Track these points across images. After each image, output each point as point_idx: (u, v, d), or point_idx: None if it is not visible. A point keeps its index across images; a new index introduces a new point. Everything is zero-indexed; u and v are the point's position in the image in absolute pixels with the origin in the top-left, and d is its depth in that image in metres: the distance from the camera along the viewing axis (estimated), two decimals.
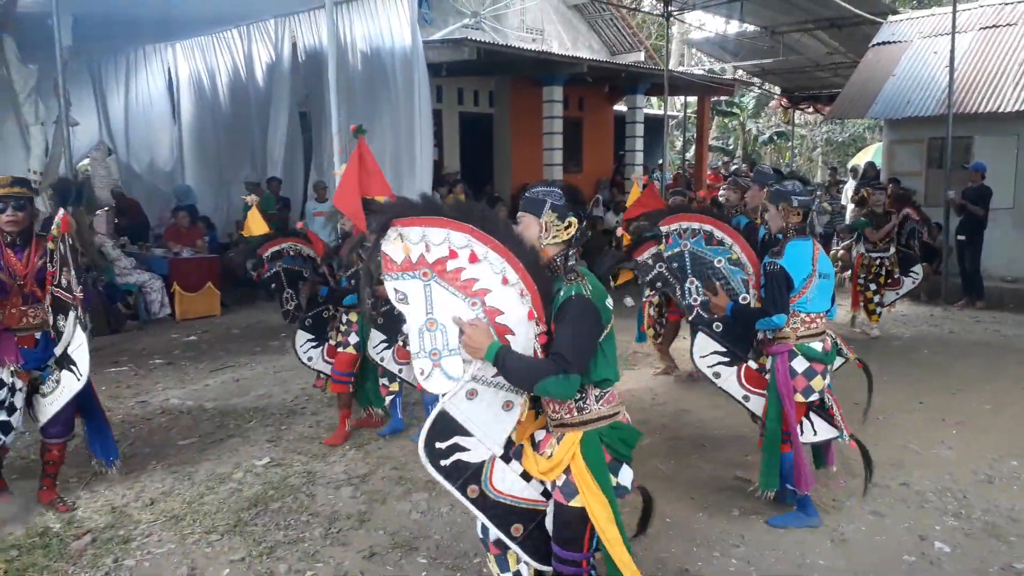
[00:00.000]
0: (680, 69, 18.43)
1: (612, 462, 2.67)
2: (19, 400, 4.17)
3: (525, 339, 2.60)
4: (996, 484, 4.64)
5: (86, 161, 13.47)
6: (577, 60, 12.94)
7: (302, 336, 5.58)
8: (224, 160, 12.22)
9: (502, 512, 2.72)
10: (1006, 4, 12.63)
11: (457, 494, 2.70)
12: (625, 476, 2.72)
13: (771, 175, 5.04)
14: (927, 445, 5.25)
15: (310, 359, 5.62)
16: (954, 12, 10.64)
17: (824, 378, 3.98)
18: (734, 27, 17.85)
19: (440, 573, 3.68)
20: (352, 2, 9.51)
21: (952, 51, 10.15)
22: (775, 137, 26.95)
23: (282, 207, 10.98)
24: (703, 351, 4.35)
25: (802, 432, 4.04)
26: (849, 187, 16.72)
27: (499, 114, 14.92)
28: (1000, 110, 10.76)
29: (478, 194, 13.25)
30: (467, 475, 2.69)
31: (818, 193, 14.32)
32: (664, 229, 4.34)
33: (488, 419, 2.67)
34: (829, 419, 4.08)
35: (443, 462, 2.66)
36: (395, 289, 2.59)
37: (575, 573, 2.69)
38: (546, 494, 2.76)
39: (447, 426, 2.64)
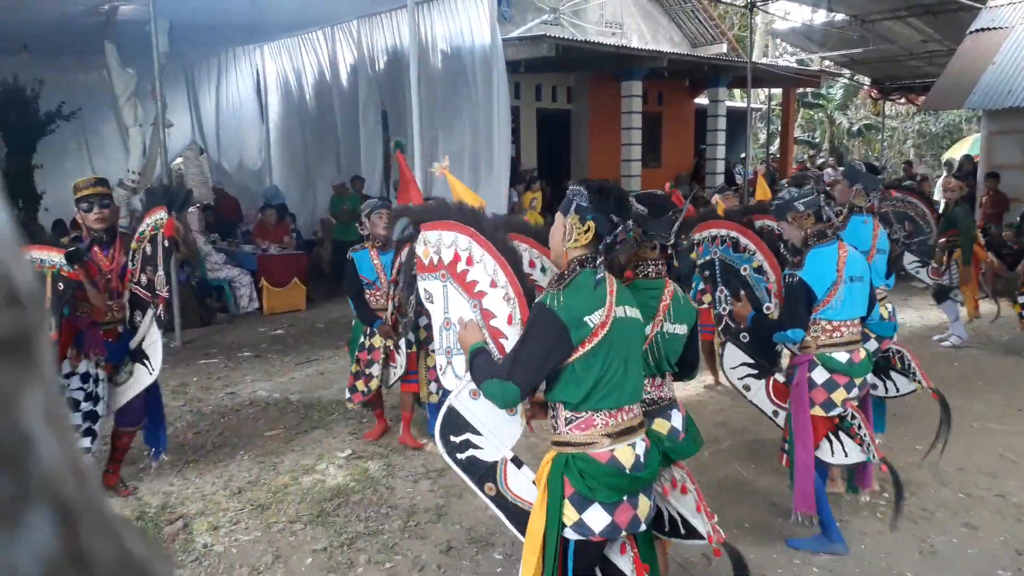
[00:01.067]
0: (764, 61, 17.97)
1: (574, 495, 2.42)
2: (102, 390, 4.39)
3: (512, 344, 2.57)
4: None
5: (179, 160, 14.06)
6: (657, 54, 12.78)
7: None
8: (310, 159, 12.57)
9: (519, 513, 2.68)
10: None
11: (476, 489, 2.75)
12: (593, 517, 2.42)
13: (862, 172, 4.76)
14: None
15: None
16: None
17: (848, 391, 3.66)
18: (821, 16, 17.30)
19: (516, 569, 3.71)
20: (433, 1, 9.64)
21: None
22: (864, 130, 26.02)
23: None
24: (732, 363, 4.13)
25: (832, 453, 3.76)
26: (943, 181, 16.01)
27: (577, 110, 14.87)
28: None
29: (556, 191, 13.24)
30: (482, 472, 2.73)
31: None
32: (696, 237, 4.02)
33: (493, 419, 2.71)
34: (854, 439, 3.74)
35: (459, 455, 2.73)
36: (424, 288, 2.77)
37: None
38: None
39: (456, 422, 2.72)
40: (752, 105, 16.04)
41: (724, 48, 17.37)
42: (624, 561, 2.58)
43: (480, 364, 2.50)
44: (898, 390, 4.59)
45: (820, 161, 20.29)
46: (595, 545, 2.47)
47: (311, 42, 12.06)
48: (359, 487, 4.66)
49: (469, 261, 2.66)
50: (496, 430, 2.71)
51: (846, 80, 21.60)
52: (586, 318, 2.36)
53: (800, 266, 3.62)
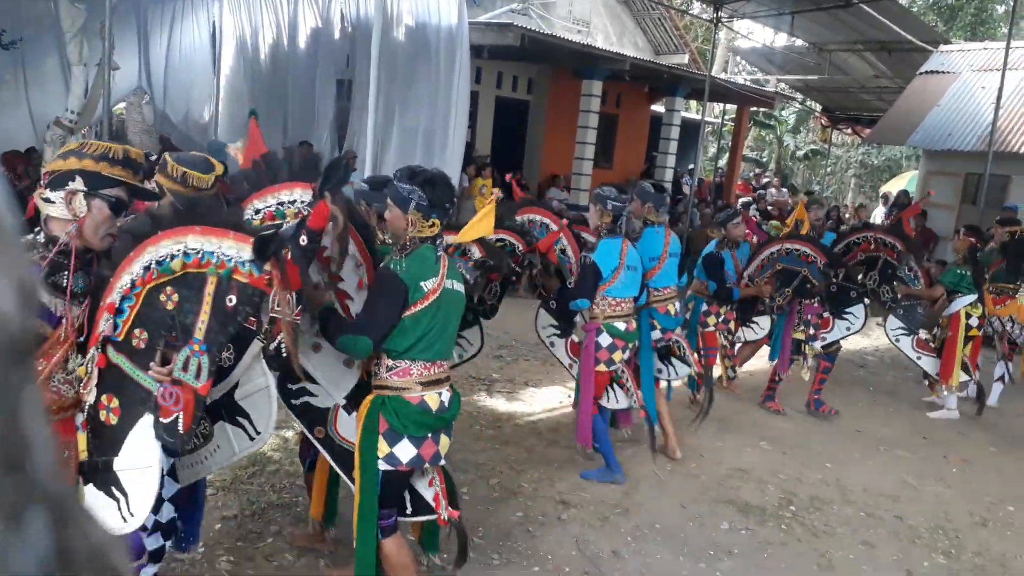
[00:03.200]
0: (723, 76, 18.26)
1: (389, 431, 2.84)
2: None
3: (359, 305, 2.95)
4: (990, 527, 4.61)
5: (122, 105, 13.54)
6: (621, 57, 12.85)
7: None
8: (257, 119, 12.27)
9: (347, 456, 2.99)
10: None
11: (306, 432, 3.08)
12: (402, 450, 2.85)
13: (651, 193, 5.08)
14: (926, 481, 5.22)
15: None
16: (1007, 48, 10.47)
17: (624, 353, 4.56)
18: (782, 40, 17.67)
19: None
20: None
21: (1001, 87, 10.00)
22: (810, 155, 26.70)
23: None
24: (543, 323, 4.88)
25: (608, 399, 4.66)
26: (879, 212, 16.56)
27: (536, 102, 14.87)
28: None
29: (503, 181, 13.23)
30: (313, 416, 3.05)
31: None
32: (520, 219, 4.60)
33: (332, 372, 3.02)
34: (624, 390, 4.73)
35: (294, 401, 3.04)
36: None
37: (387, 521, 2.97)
38: None
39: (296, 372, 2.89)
40: (706, 118, 16.29)
41: (685, 59, 17.59)
42: (429, 492, 3.04)
43: (331, 324, 2.81)
44: (677, 374, 5.26)
45: (764, 180, 20.76)
46: (403, 475, 2.92)
47: (272, 1, 11.78)
48: (277, 457, 4.60)
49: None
50: (334, 380, 3.01)
51: (799, 105, 22.12)
52: (422, 283, 2.78)
53: (593, 250, 4.47)
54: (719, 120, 22.11)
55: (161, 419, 2.22)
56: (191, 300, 2.22)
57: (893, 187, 18.76)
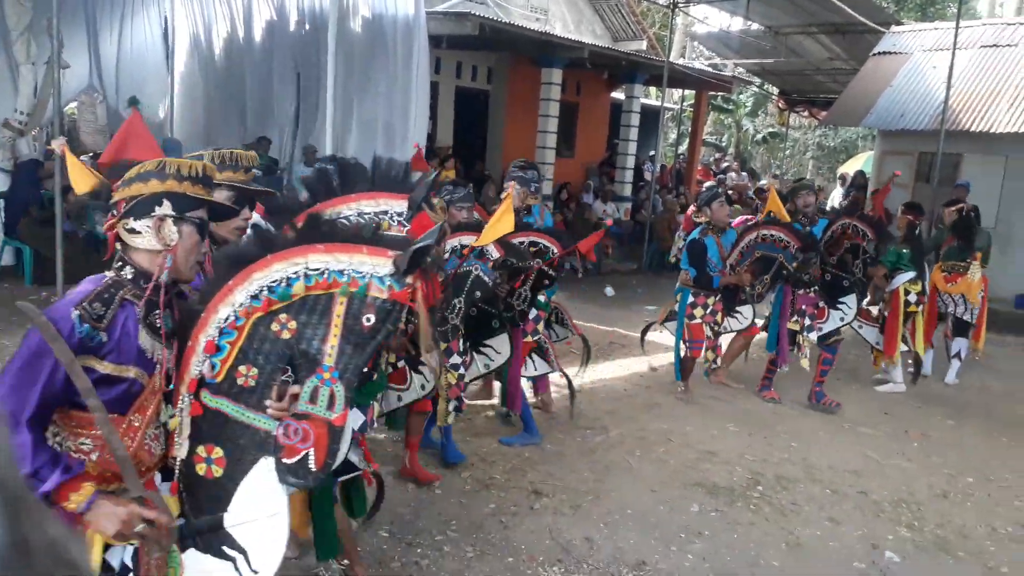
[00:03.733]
0: (681, 62, 18.36)
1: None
2: None
3: None
4: (950, 499, 4.74)
5: (73, 105, 13.21)
6: (579, 44, 12.86)
7: None
8: (214, 116, 12.08)
9: None
10: (1008, 24, 12.72)
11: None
12: (354, 418, 2.89)
13: (522, 176, 5.37)
14: (888, 456, 5.34)
15: None
16: (956, 28, 10.67)
17: (541, 323, 4.92)
18: (738, 24, 17.82)
19: (400, 548, 3.71)
20: None
21: (951, 67, 10.20)
22: (768, 137, 27.01)
23: (270, 168, 10.88)
24: None
25: (526, 367, 4.95)
26: (837, 194, 16.83)
27: (496, 91, 14.83)
28: (992, 130, 10.86)
29: (469, 171, 13.19)
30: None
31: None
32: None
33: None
34: (545, 358, 5.08)
35: None
36: None
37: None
38: None
39: None
40: (665, 104, 16.38)
41: (643, 45, 17.64)
42: (358, 454, 3.00)
43: None
44: (559, 336, 5.53)
45: (724, 164, 20.96)
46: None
47: None
48: None
49: None
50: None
51: (756, 89, 22.34)
52: None
53: None
54: (678, 106, 22.26)
55: (284, 460, 1.98)
56: (314, 325, 1.99)
57: (850, 168, 19.06)
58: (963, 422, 6.22)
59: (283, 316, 2.00)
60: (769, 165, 26.60)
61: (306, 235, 2.01)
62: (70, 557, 0.44)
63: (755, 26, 15.63)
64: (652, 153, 17.64)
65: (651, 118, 17.64)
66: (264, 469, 2.00)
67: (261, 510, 1.99)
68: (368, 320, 1.96)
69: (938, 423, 6.16)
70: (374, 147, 8.94)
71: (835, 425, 5.89)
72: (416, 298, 1.97)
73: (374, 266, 1.96)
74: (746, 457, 5.12)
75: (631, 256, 13.72)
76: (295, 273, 1.98)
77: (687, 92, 20.31)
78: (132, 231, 1.97)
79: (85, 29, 12.27)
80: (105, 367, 1.90)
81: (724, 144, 28.16)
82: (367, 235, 2.02)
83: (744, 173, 20.04)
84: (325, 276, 1.97)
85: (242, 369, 2.01)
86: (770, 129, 27.09)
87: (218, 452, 2.03)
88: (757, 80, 20.54)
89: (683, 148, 19.94)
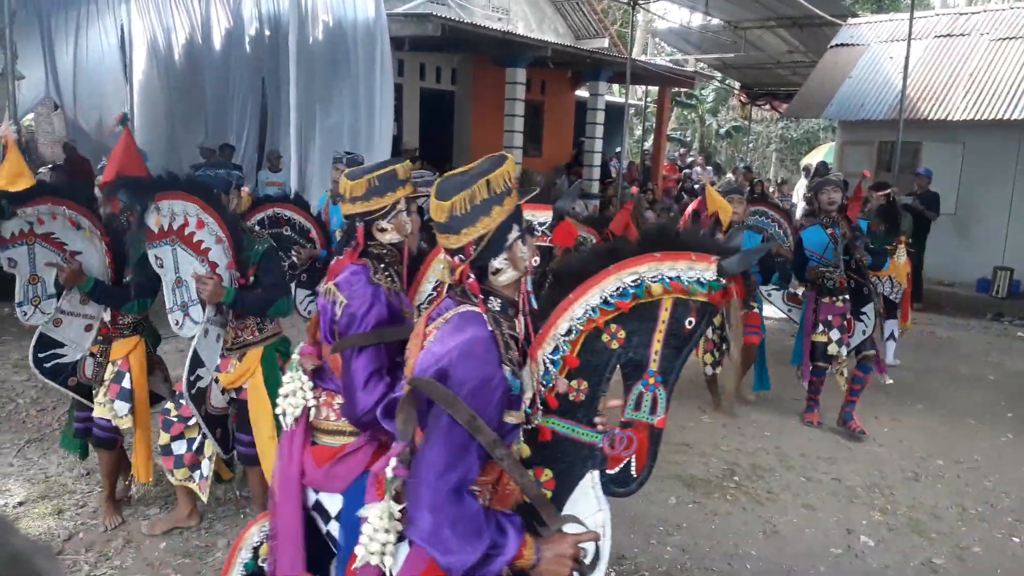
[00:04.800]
0: (643, 58, 18.50)
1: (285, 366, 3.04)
2: None
3: (229, 283, 3.32)
4: (922, 482, 4.82)
5: (30, 116, 13.00)
6: (542, 43, 12.90)
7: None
8: (176, 123, 11.92)
9: (214, 422, 3.58)
10: (960, 14, 12.98)
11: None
12: None
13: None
14: (859, 442, 5.42)
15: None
16: (911, 19, 10.87)
17: None
18: (698, 19, 17.98)
19: None
20: None
21: (907, 57, 10.38)
22: (732, 131, 27.30)
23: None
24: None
25: None
26: (801, 185, 17.04)
27: (461, 92, 14.82)
28: (949, 118, 11.07)
29: (437, 172, 13.15)
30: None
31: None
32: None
33: (212, 350, 3.45)
34: None
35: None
36: (154, 256, 3.26)
37: (250, 450, 3.54)
38: (231, 402, 3.60)
39: (195, 361, 3.37)
40: (629, 101, 16.48)
41: (606, 43, 17.75)
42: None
43: (255, 299, 3.37)
44: None
45: (690, 160, 21.14)
46: None
47: (183, 1, 11.42)
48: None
49: (199, 224, 3.26)
50: (212, 356, 3.45)
51: (718, 83, 22.57)
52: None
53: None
54: (643, 102, 22.40)
55: (608, 471, 1.98)
56: (640, 332, 1.99)
57: (813, 159, 19.32)
58: (931, 406, 6.33)
59: (613, 326, 1.98)
60: (733, 159, 26.85)
61: (647, 244, 2.00)
62: (36, 570, 0.43)
63: (715, 21, 15.80)
64: (618, 150, 17.74)
65: (616, 115, 17.75)
66: (588, 484, 1.98)
67: (591, 520, 1.95)
68: (690, 323, 1.99)
69: (907, 408, 6.26)
70: (340, 151, 8.88)
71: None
72: (730, 297, 2.03)
73: (700, 270, 1.96)
74: (720, 448, 5.17)
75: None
76: (633, 282, 1.97)
77: (651, 89, 20.43)
78: (497, 271, 1.81)
79: (40, 39, 12.06)
80: (515, 417, 1.79)
81: (688, 139, 28.40)
82: (693, 240, 2.01)
83: (709, 168, 20.22)
84: (659, 283, 1.96)
85: (574, 384, 1.97)
86: (733, 123, 27.37)
87: (547, 474, 1.97)
88: (719, 75, 20.75)
89: (648, 144, 20.08)
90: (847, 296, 5.43)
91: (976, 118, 10.82)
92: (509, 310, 1.84)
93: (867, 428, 5.65)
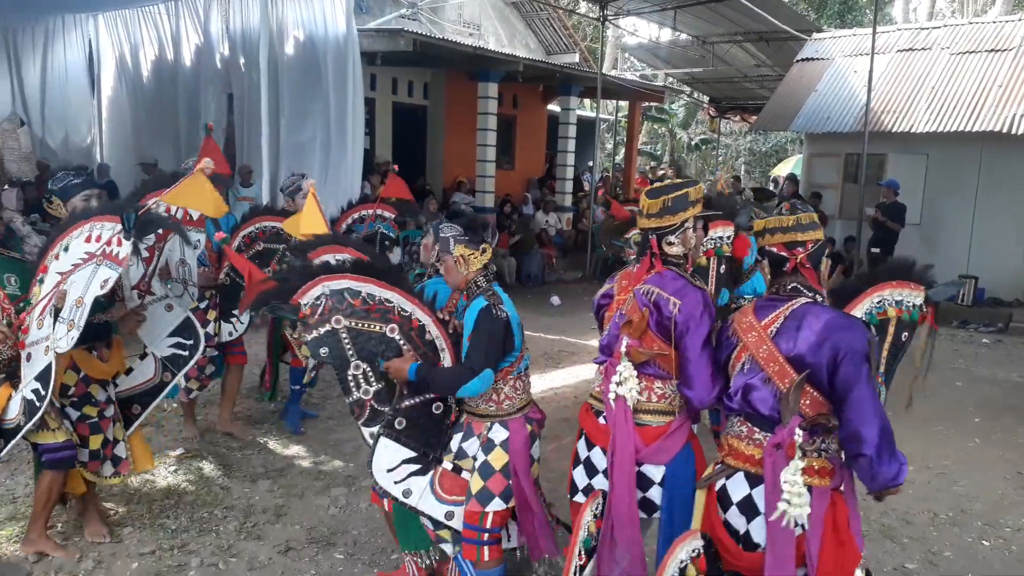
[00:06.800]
0: (613, 73, 18.68)
1: None
2: None
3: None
4: None
5: None
6: (514, 59, 12.97)
7: None
8: (143, 140, 11.80)
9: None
10: (921, 29, 13.28)
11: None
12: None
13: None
14: None
15: None
16: (874, 33, 11.12)
17: None
18: (667, 35, 18.21)
19: (357, 569, 3.67)
20: None
21: (871, 71, 10.60)
22: (701, 145, 27.60)
23: None
24: (391, 463, 3.10)
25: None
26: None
27: (433, 107, 14.85)
28: (912, 130, 11.30)
29: (410, 185, 13.13)
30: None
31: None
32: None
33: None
34: None
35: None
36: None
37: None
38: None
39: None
40: (600, 115, 16.61)
41: (576, 58, 17.89)
42: None
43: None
44: None
45: (660, 172, 21.34)
46: None
47: (151, 16, 11.33)
48: (193, 487, 4.45)
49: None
50: None
51: (687, 97, 22.85)
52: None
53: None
54: (613, 117, 22.60)
55: None
56: (879, 343, 2.86)
57: (781, 171, 19.61)
58: (899, 412, 6.41)
59: None
60: (703, 171, 27.15)
61: (891, 274, 2.90)
62: None
63: (684, 36, 16.00)
64: (590, 163, 17.86)
65: (587, 129, 17.87)
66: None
67: None
68: (905, 336, 2.91)
69: None
70: (312, 166, 8.86)
71: None
72: (930, 320, 2.92)
73: (914, 297, 2.87)
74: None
75: (575, 265, 13.85)
76: (878, 303, 2.88)
77: (621, 103, 20.62)
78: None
79: (6, 55, 11.91)
80: None
81: (659, 152, 28.67)
82: (914, 273, 2.92)
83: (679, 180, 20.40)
84: (892, 306, 2.86)
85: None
86: (702, 136, 27.68)
87: None
88: (688, 89, 20.99)
89: (620, 158, 20.25)
90: None
91: (939, 130, 11.05)
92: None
93: None
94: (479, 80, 13.06)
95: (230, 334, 5.14)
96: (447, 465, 3.08)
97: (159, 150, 11.55)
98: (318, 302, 3.00)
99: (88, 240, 3.35)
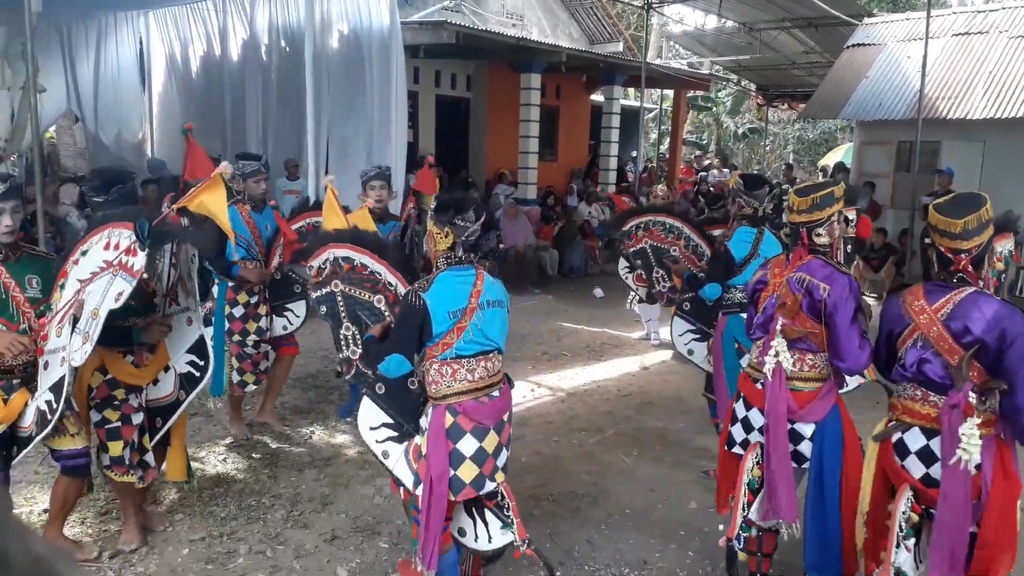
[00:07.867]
0: (658, 62, 18.45)
1: None
2: None
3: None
4: None
5: (52, 129, 13.16)
6: (557, 48, 12.91)
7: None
8: (194, 134, 12.02)
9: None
10: (978, 12, 12.85)
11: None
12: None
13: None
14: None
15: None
16: (928, 17, 10.79)
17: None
18: (712, 22, 17.93)
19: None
20: None
21: (925, 56, 10.29)
22: (748, 133, 27.17)
23: None
24: (373, 423, 3.25)
25: None
26: None
27: (476, 99, 14.86)
28: (968, 117, 10.95)
29: (452, 179, 13.20)
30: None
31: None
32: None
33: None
34: None
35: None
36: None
37: None
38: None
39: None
40: (645, 105, 16.45)
41: (620, 47, 17.72)
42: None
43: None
44: None
45: (706, 162, 21.07)
46: None
47: (200, 13, 11.54)
48: (241, 476, 4.53)
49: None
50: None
51: (734, 86, 22.49)
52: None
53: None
54: (658, 106, 22.35)
55: None
56: None
57: (831, 160, 19.20)
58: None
59: None
60: (750, 160, 26.74)
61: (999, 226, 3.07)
62: (55, 572, 0.44)
63: (730, 23, 15.73)
64: (634, 154, 17.71)
65: (631, 119, 17.71)
66: None
67: None
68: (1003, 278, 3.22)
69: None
70: (357, 158, 8.95)
71: None
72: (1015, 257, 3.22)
73: (1005, 245, 3.08)
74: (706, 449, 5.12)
75: (618, 257, 13.76)
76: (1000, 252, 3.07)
77: (666, 92, 20.38)
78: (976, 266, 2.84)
79: (61, 52, 12.23)
80: None
81: (705, 142, 28.29)
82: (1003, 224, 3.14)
83: (726, 170, 20.14)
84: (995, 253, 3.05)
85: None
86: (749, 125, 27.24)
87: None
88: (734, 77, 20.66)
89: (664, 147, 20.04)
90: None
91: (997, 116, 10.70)
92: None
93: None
94: (522, 71, 13.03)
95: (284, 328, 5.18)
96: (417, 440, 3.12)
97: (207, 145, 11.73)
98: (324, 266, 3.36)
99: (107, 247, 3.25)
